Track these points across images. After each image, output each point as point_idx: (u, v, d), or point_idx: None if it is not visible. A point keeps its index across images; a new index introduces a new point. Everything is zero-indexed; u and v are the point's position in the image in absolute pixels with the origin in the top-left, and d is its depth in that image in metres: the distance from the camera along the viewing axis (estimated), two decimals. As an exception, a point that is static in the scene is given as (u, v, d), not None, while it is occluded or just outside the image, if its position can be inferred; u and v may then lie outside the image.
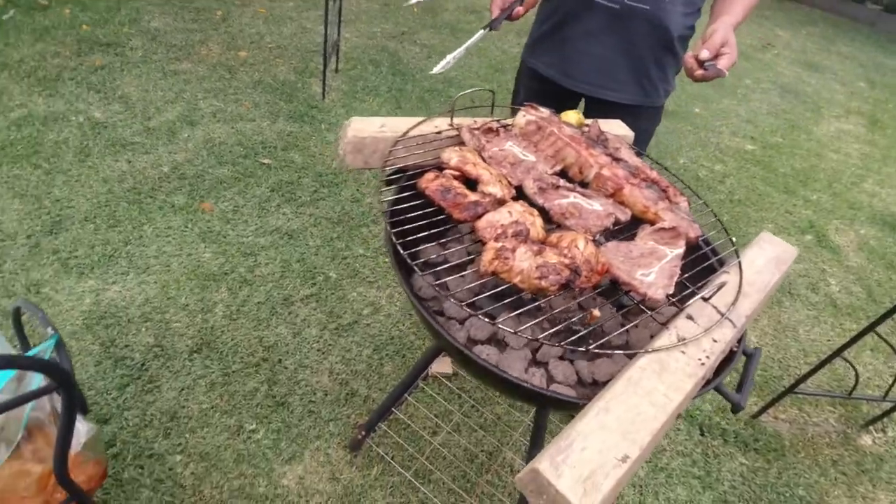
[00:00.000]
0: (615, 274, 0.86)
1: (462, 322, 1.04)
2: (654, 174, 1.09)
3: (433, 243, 1.18)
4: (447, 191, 0.92)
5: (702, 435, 2.00)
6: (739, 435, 2.02)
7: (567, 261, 0.82)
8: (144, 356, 1.80)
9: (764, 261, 1.01)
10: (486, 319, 0.79)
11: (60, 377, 0.64)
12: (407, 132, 1.10)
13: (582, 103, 1.68)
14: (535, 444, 1.09)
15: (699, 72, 1.14)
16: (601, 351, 0.77)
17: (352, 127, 1.08)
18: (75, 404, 0.71)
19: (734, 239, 1.05)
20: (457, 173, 0.98)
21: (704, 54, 1.12)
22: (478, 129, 1.11)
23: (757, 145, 4.12)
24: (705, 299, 0.88)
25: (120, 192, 2.37)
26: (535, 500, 0.60)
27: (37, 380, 0.90)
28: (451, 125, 1.16)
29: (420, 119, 1.15)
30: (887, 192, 3.92)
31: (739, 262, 0.98)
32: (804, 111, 4.91)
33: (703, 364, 0.78)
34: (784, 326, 2.57)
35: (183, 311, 1.97)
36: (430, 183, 0.94)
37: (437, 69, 1.25)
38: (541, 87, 1.66)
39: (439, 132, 1.14)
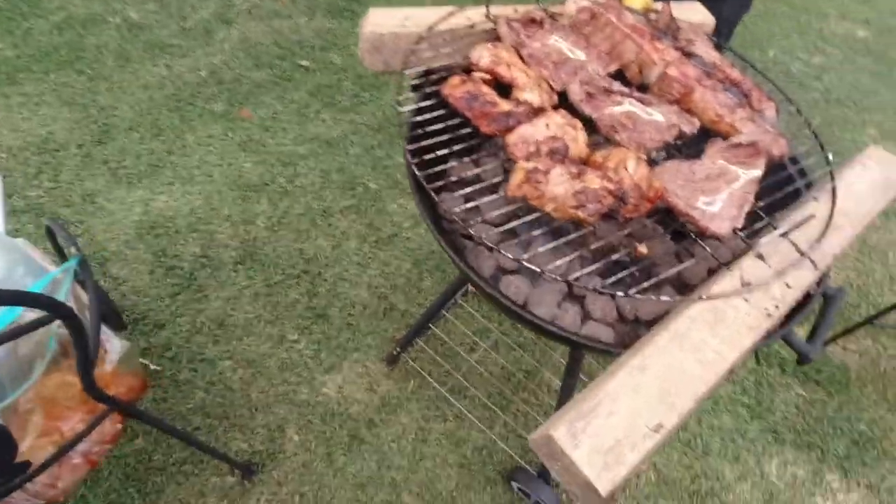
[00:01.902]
0: (671, 202, 0.72)
1: (492, 249, 0.94)
2: (735, 73, 0.88)
3: (465, 159, 1.06)
4: (474, 98, 0.78)
5: (757, 363, 1.88)
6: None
7: (612, 186, 0.69)
8: (193, 266, 1.85)
9: (867, 185, 0.82)
10: (509, 255, 0.68)
11: (60, 312, 0.62)
12: (433, 27, 0.94)
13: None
14: (566, 389, 1.02)
15: None
16: (644, 297, 0.65)
17: (369, 21, 0.93)
18: (84, 333, 0.70)
19: (830, 156, 0.85)
20: (488, 77, 0.83)
21: None
22: (518, 20, 0.92)
23: (871, 31, 3.45)
24: (783, 234, 0.73)
25: (160, 98, 2.33)
26: (549, 464, 0.54)
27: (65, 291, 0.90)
28: (487, 16, 0.98)
29: (449, 9, 0.97)
30: None
31: (833, 187, 0.80)
32: (940, -13, 4.02)
33: (769, 315, 0.65)
34: (871, 248, 2.29)
35: (226, 221, 1.98)
36: (454, 89, 0.80)
37: None
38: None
39: (472, 25, 0.96)
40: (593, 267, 0.76)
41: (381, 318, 1.80)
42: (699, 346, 0.61)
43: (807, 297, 0.81)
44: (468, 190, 0.90)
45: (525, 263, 0.66)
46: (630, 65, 0.90)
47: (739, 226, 0.71)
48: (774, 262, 0.71)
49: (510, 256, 0.67)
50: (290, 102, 2.41)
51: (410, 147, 0.76)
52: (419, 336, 1.69)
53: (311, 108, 2.41)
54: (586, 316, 0.88)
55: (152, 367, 1.62)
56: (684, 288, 0.90)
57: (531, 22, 0.93)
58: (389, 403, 1.63)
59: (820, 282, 0.81)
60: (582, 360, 1.02)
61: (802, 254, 0.71)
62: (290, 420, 1.59)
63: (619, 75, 0.92)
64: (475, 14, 0.98)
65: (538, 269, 0.66)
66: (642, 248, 0.75)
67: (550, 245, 0.78)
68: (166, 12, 2.72)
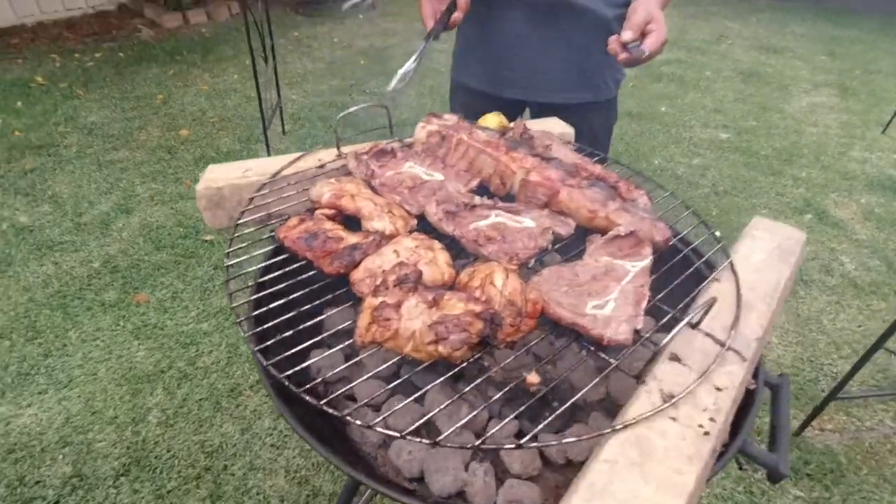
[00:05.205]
0: (554, 312, 0.60)
1: (377, 409, 0.77)
2: (597, 169, 0.84)
3: (339, 308, 0.92)
4: (313, 237, 0.67)
5: (740, 468, 1.67)
6: (785, 460, 1.69)
7: (478, 307, 0.56)
8: (59, 492, 1.50)
9: (764, 254, 0.75)
10: (386, 432, 0.51)
11: None
12: (278, 172, 0.86)
13: (527, 113, 1.46)
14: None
15: (623, 55, 0.94)
16: (537, 445, 0.49)
17: (204, 178, 0.84)
18: None
19: (717, 232, 0.79)
20: (331, 212, 0.74)
21: (627, 35, 0.93)
22: (366, 153, 0.87)
23: (731, 132, 3.92)
24: (693, 325, 0.62)
25: (42, 298, 2.12)
26: None
27: None
28: (339, 154, 0.92)
29: (297, 154, 0.92)
30: (878, 157, 3.69)
31: (731, 262, 0.72)
32: (771, 91, 4.75)
33: (707, 434, 0.50)
34: (805, 319, 2.27)
35: (110, 425, 1.68)
36: (290, 231, 0.69)
37: (392, 86, 1.05)
38: (476, 101, 1.43)
39: (322, 165, 0.90)
40: (475, 411, 0.60)
41: (303, 510, 1.49)
42: (628, 501, 0.44)
43: (747, 394, 0.68)
44: (346, 343, 0.75)
45: (391, 433, 0.49)
46: (491, 178, 0.85)
47: (639, 326, 0.59)
48: (693, 361, 0.58)
49: (386, 433, 0.50)
50: (193, 279, 2.27)
51: (256, 313, 0.62)
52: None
53: (215, 282, 2.27)
54: (505, 472, 0.70)
55: None
56: (616, 409, 0.75)
57: (382, 153, 0.89)
58: None
59: (756, 373, 0.69)
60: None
61: (723, 345, 0.59)
62: None
63: (485, 191, 0.86)
64: (326, 154, 0.93)
65: (427, 442, 0.49)
66: (532, 378, 0.60)
67: (446, 385, 0.62)
68: (60, 211, 2.64)
